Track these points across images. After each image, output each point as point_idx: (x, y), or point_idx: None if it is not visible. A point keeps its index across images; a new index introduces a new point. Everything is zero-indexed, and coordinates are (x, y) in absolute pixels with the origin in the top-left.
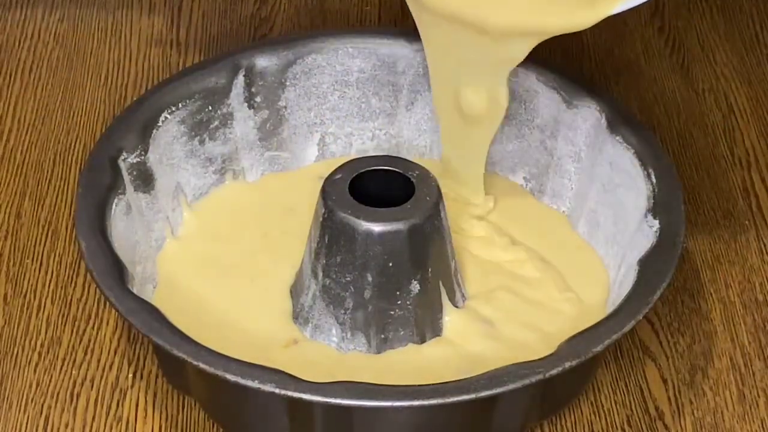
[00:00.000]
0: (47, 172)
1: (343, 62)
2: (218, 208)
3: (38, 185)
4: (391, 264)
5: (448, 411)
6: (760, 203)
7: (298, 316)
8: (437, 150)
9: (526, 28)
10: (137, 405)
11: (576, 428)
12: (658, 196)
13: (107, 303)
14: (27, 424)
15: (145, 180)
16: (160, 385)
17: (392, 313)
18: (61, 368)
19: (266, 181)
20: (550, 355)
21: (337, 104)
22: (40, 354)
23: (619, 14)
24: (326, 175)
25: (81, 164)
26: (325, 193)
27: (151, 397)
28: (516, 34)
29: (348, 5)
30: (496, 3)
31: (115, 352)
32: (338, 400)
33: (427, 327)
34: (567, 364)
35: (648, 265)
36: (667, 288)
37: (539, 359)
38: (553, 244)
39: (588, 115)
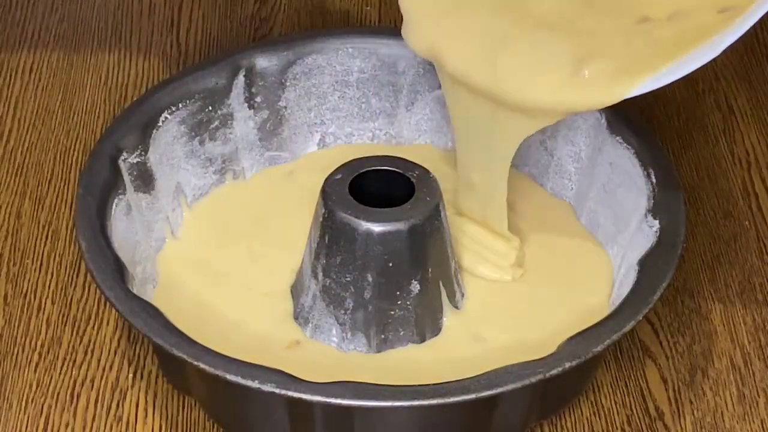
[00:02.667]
0: (47, 172)
1: (343, 62)
2: (218, 209)
3: (38, 185)
4: (391, 264)
5: (448, 411)
6: (760, 203)
7: (299, 316)
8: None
9: (543, 105)
10: (137, 405)
11: (576, 428)
12: (658, 196)
13: (107, 303)
14: (27, 424)
15: (145, 180)
16: (160, 385)
17: (392, 313)
18: (61, 368)
19: (266, 181)
20: (550, 355)
21: (337, 104)
22: (40, 354)
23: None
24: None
25: (81, 164)
26: (325, 193)
27: (151, 397)
28: (533, 110)
29: (348, 5)
30: (518, 79)
31: (115, 352)
32: (338, 400)
33: (427, 327)
34: (567, 364)
35: (648, 265)
36: (667, 288)
37: (539, 359)
38: (558, 240)
39: (588, 115)
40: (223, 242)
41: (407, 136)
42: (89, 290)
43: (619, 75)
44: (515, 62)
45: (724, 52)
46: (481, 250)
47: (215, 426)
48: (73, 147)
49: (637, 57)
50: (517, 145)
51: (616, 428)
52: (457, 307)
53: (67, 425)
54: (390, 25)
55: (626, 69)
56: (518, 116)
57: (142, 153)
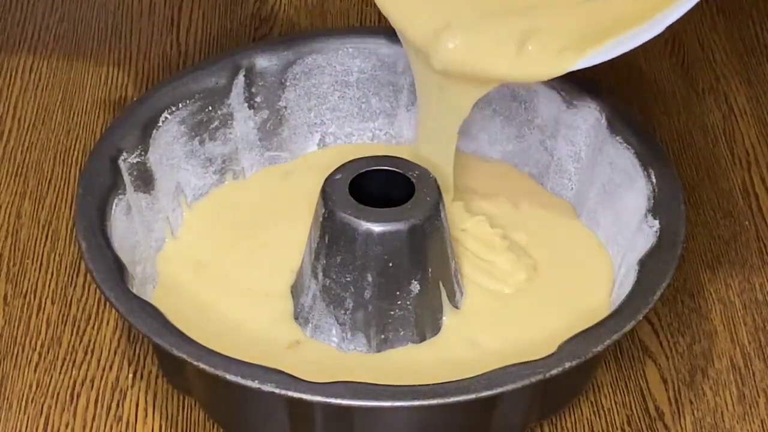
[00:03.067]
0: (47, 172)
1: (343, 62)
2: (218, 209)
3: (38, 185)
4: (391, 264)
5: (448, 411)
6: (760, 203)
7: (299, 316)
8: None
9: (492, 78)
10: (137, 405)
11: (576, 428)
12: (658, 196)
13: (107, 303)
14: (27, 424)
15: (145, 180)
16: (160, 385)
17: (392, 313)
18: (61, 368)
19: (266, 181)
20: (550, 355)
21: (337, 104)
22: (40, 354)
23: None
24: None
25: (81, 164)
26: (325, 193)
27: (151, 397)
28: (468, 77)
29: (348, 5)
30: (469, 52)
31: (115, 352)
32: (338, 400)
33: (427, 327)
34: (567, 364)
35: (648, 265)
36: (667, 288)
37: (539, 359)
38: (559, 239)
39: (588, 115)
40: (222, 242)
41: (407, 136)
42: (89, 290)
43: (563, 50)
44: (466, 36)
45: (668, 29)
46: (486, 267)
47: (215, 426)
48: (73, 147)
49: (582, 32)
50: (466, 112)
51: (616, 428)
52: (456, 307)
53: (67, 425)
54: (390, 25)
55: (570, 44)
56: (465, 85)
57: (142, 153)
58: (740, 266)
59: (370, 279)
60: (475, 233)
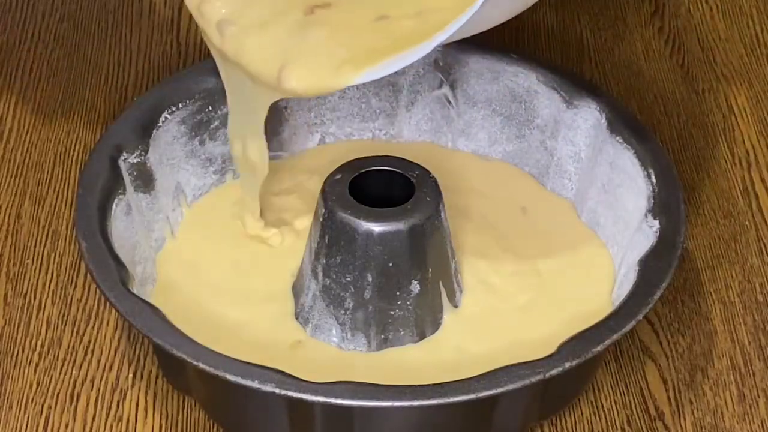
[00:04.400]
0: (47, 172)
1: None
2: (218, 209)
3: (38, 186)
4: (391, 264)
5: (448, 411)
6: (760, 203)
7: (299, 316)
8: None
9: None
10: (137, 405)
11: (576, 428)
12: (658, 196)
13: (107, 303)
14: (27, 424)
15: (145, 180)
16: (160, 385)
17: (392, 313)
18: (61, 368)
19: (266, 181)
20: (550, 355)
21: (337, 104)
22: (40, 354)
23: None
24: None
25: (81, 164)
26: (325, 193)
27: (151, 397)
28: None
29: None
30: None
31: (115, 352)
32: (338, 400)
33: (427, 327)
34: (567, 364)
35: (648, 265)
36: (667, 288)
37: (539, 359)
38: (560, 239)
39: (588, 115)
40: (222, 242)
41: (407, 136)
42: (89, 290)
43: (343, 64)
44: (238, 38)
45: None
46: (490, 287)
47: (215, 426)
48: (73, 147)
49: (362, 49)
50: (264, 111)
51: (616, 428)
52: (456, 306)
53: (67, 425)
54: None
55: (351, 59)
56: (257, 88)
57: (142, 153)
58: (740, 266)
59: (370, 279)
60: (484, 253)
